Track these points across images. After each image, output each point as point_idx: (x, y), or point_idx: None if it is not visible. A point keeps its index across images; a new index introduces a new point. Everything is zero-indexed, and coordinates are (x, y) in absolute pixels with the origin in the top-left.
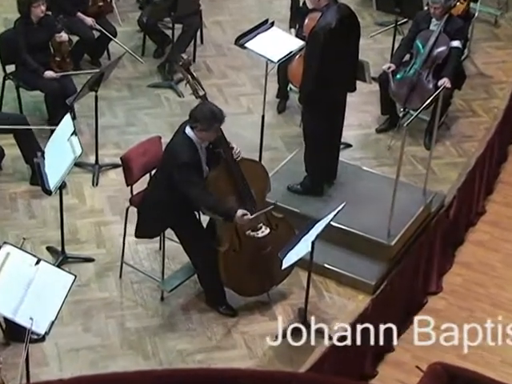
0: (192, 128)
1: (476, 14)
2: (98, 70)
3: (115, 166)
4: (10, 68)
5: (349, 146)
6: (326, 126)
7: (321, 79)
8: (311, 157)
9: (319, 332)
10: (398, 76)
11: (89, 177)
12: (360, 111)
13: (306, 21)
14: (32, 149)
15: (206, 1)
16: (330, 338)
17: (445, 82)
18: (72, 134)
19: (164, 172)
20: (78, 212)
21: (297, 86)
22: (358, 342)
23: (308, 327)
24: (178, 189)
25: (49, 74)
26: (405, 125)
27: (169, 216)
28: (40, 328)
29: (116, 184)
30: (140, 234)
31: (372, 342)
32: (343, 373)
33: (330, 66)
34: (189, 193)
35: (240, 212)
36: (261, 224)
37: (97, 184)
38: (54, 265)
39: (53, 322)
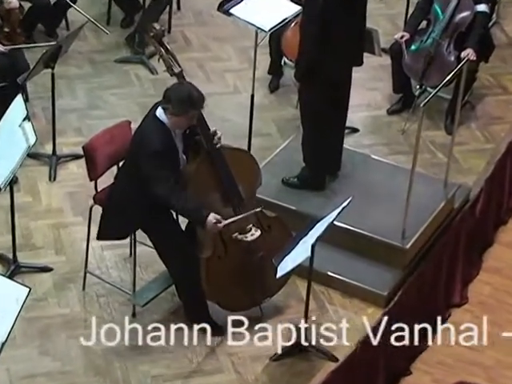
0: (163, 109)
1: None
2: (54, 43)
3: (76, 156)
4: None
5: (355, 130)
6: (327, 107)
7: (321, 51)
8: (310, 144)
9: (321, 352)
10: (413, 47)
11: (45, 170)
12: (368, 89)
13: None
14: None
15: None
16: (335, 360)
17: (469, 53)
18: (24, 120)
19: (132, 163)
20: (33, 212)
21: (292, 59)
22: (368, 364)
23: (308, 347)
24: (146, 183)
25: None
26: (421, 105)
27: (140, 216)
28: None
29: (77, 178)
30: (103, 235)
31: (384, 364)
32: None
33: (331, 36)
34: (155, 189)
35: (211, 217)
36: (250, 225)
37: (54, 179)
38: (4, 275)
39: (3, 344)
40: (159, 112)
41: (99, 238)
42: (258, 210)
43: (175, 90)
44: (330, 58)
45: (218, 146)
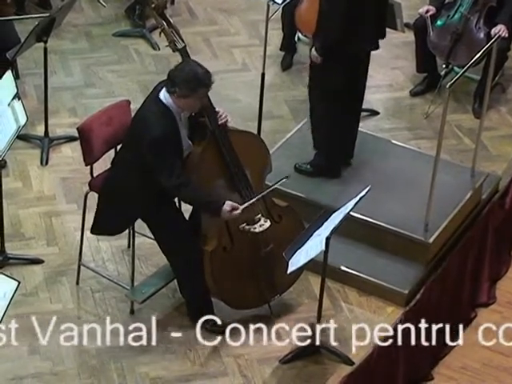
0: (170, 93)
1: None
2: (47, 15)
3: (70, 139)
4: None
5: (375, 113)
6: (344, 86)
7: (348, 23)
8: (324, 128)
9: (336, 354)
10: (439, 22)
11: (36, 153)
12: (390, 68)
13: None
14: None
15: None
16: (350, 363)
17: (500, 29)
18: (14, 98)
19: (132, 148)
20: (22, 199)
21: (307, 35)
22: (387, 368)
23: (321, 348)
24: (149, 172)
25: None
26: (448, 86)
27: (139, 205)
28: None
29: (71, 163)
30: (98, 229)
31: (404, 369)
32: None
33: (358, 7)
34: (162, 180)
35: (227, 206)
36: (259, 215)
37: (46, 163)
38: None
39: None
40: (163, 95)
41: (94, 232)
42: (275, 186)
43: (179, 71)
44: (356, 31)
45: (223, 126)
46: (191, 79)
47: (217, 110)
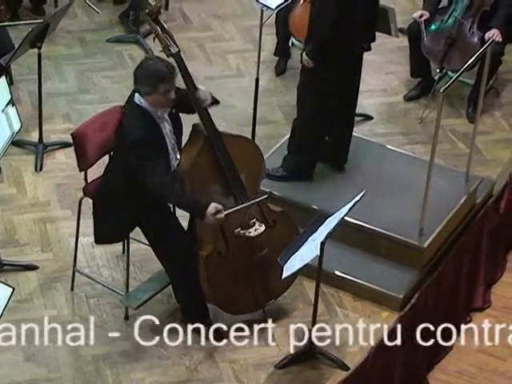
0: (138, 93)
1: None
2: (41, 21)
3: (64, 145)
4: None
5: (369, 118)
6: (335, 89)
7: (337, 28)
8: (304, 131)
9: (331, 360)
10: (433, 27)
11: (30, 159)
12: (384, 73)
13: None
14: None
15: None
16: (346, 368)
17: (494, 34)
18: (8, 104)
19: (119, 155)
20: (17, 205)
21: (301, 39)
22: (382, 373)
23: (316, 353)
24: (136, 176)
25: None
26: (441, 90)
27: (133, 210)
28: None
29: (66, 169)
30: (101, 239)
31: (399, 373)
32: None
33: (347, 12)
34: (147, 180)
35: (211, 208)
36: (253, 219)
37: (41, 169)
38: None
39: None
40: (137, 97)
41: (98, 241)
42: (265, 196)
43: (142, 69)
44: (346, 35)
45: (207, 104)
46: (151, 75)
47: (199, 87)
